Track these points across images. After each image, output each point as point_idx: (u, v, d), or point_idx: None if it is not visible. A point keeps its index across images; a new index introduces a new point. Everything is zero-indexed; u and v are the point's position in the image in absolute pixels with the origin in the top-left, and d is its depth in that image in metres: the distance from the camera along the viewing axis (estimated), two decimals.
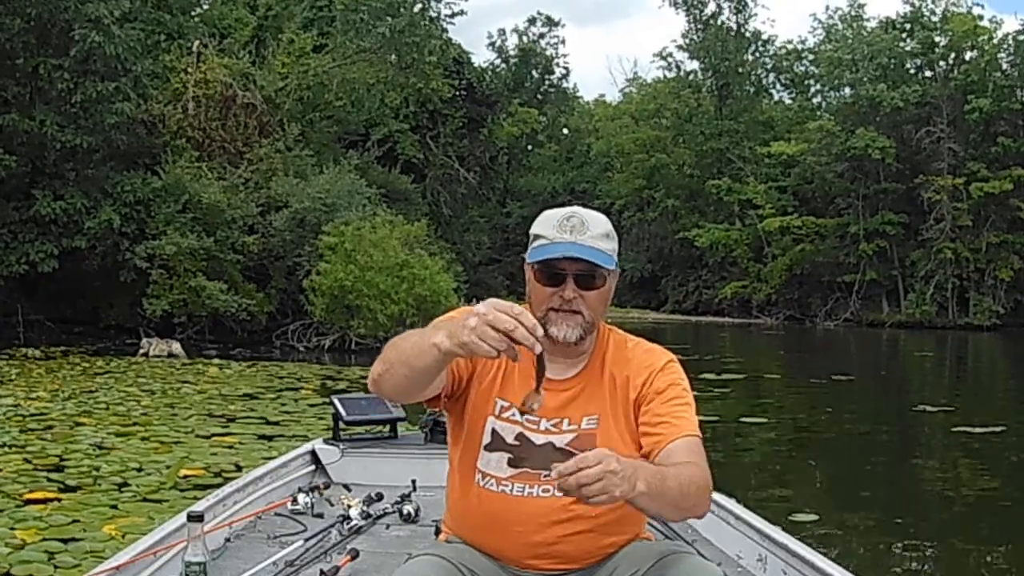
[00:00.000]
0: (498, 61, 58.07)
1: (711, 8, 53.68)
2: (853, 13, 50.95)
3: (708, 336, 36.08)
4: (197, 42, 23.68)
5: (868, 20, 50.04)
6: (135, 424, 9.87)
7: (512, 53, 59.02)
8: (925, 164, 43.24)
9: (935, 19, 45.75)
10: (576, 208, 2.35)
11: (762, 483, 9.16)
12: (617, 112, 62.73)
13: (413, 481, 4.25)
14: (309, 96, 25.55)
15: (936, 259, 42.58)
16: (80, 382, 13.38)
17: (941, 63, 45.33)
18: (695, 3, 53.69)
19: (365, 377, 2.48)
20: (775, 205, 47.75)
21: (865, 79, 44.98)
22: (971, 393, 19.35)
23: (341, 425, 4.77)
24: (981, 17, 44.91)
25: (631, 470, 1.96)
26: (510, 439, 2.32)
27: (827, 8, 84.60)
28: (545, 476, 2.27)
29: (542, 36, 59.35)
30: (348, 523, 3.77)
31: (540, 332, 1.95)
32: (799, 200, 48.12)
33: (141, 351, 18.11)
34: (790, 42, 55.66)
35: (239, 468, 7.52)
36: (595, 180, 59.67)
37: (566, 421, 2.32)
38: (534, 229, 2.34)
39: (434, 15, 31.04)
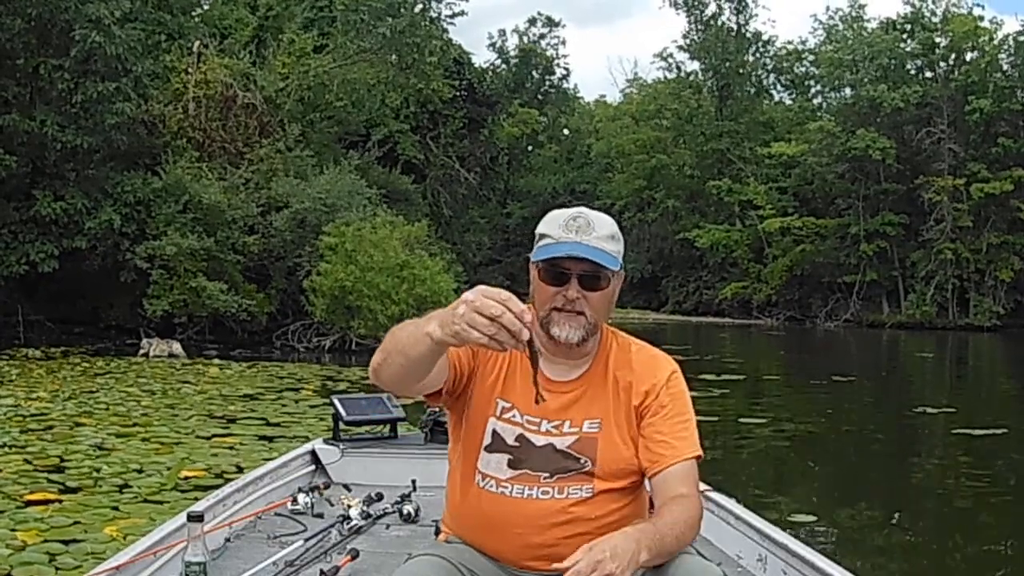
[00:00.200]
0: (498, 62, 58.13)
1: (712, 9, 53.79)
2: (854, 14, 51.01)
3: (708, 337, 36.08)
4: (198, 42, 23.69)
5: (869, 21, 50.14)
6: (135, 425, 9.87)
7: (512, 54, 59.06)
8: (925, 165, 43.25)
9: (936, 20, 45.78)
10: (583, 209, 2.35)
11: (762, 483, 9.16)
12: (617, 113, 62.76)
13: (413, 481, 4.25)
14: (310, 96, 25.55)
15: (936, 260, 42.59)
16: (80, 382, 13.38)
17: (942, 64, 45.34)
18: (696, 4, 53.73)
19: (365, 378, 2.49)
20: (775, 206, 47.78)
21: (866, 80, 44.99)
22: (972, 394, 19.34)
23: (341, 425, 4.77)
24: (982, 18, 44.97)
25: (632, 551, 2.02)
26: (511, 440, 2.32)
27: (827, 9, 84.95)
28: (545, 478, 2.28)
29: (542, 37, 59.43)
30: (348, 523, 3.77)
31: (528, 318, 1.94)
32: (799, 201, 48.15)
33: (141, 351, 18.12)
34: (791, 43, 55.78)
35: (240, 469, 7.50)
36: (595, 181, 59.68)
37: (567, 423, 2.32)
38: (540, 228, 2.34)
39: (434, 16, 31.14)
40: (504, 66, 58.00)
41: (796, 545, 3.27)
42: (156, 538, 3.16)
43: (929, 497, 9.12)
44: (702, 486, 2.47)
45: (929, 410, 14.49)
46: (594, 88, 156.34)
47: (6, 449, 8.24)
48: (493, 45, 59.67)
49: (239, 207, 20.91)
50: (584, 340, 2.31)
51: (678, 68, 56.58)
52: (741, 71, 53.54)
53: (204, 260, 19.74)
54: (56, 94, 19.54)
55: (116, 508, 6.36)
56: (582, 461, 2.30)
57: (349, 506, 3.88)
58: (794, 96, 55.79)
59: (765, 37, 55.00)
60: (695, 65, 55.54)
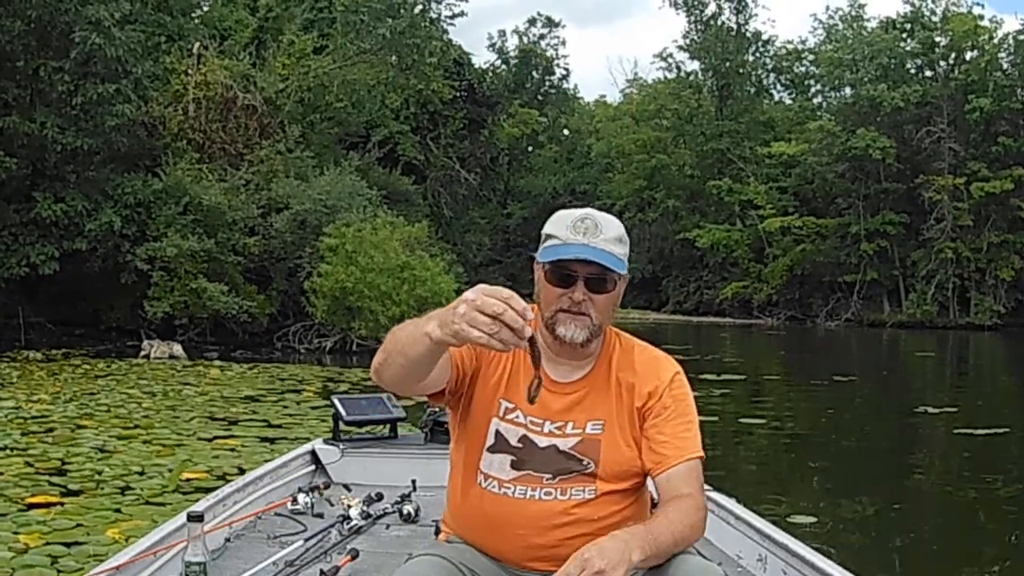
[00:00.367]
0: (498, 62, 58.13)
1: (711, 8, 53.82)
2: (853, 13, 51.03)
3: (709, 336, 36.07)
4: (197, 44, 23.69)
5: (868, 20, 50.17)
6: (137, 427, 9.86)
7: (512, 54, 59.07)
8: (926, 164, 43.26)
9: (935, 19, 45.78)
10: (590, 210, 2.34)
11: (762, 483, 9.16)
12: (617, 113, 62.76)
13: (413, 481, 4.26)
14: (310, 98, 25.56)
15: (937, 259, 42.60)
16: (81, 384, 13.37)
17: (941, 63, 45.35)
18: (695, 4, 53.75)
19: (367, 379, 2.50)
20: (776, 205, 47.79)
21: (865, 79, 45.01)
22: (973, 394, 19.31)
23: (341, 425, 4.78)
24: (981, 17, 45.00)
25: (621, 551, 2.02)
26: (513, 441, 2.32)
27: (827, 8, 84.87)
28: (547, 479, 2.28)
29: (542, 37, 59.44)
30: (348, 523, 3.78)
31: (530, 315, 1.93)
32: (800, 200, 48.16)
33: (142, 353, 18.12)
34: (790, 42, 55.83)
35: (241, 471, 7.48)
36: (596, 181, 59.69)
37: (571, 424, 2.32)
38: (547, 229, 2.33)
39: (434, 16, 31.15)
40: (504, 66, 58.01)
41: (796, 545, 3.27)
42: (156, 538, 3.17)
43: (930, 497, 9.11)
44: None
45: (930, 410, 14.47)
46: (594, 88, 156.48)
47: (7, 452, 8.23)
48: (493, 46, 59.74)
49: (239, 208, 20.92)
50: (588, 341, 2.30)
51: (678, 68, 56.69)
52: (741, 71, 53.56)
53: (205, 262, 19.74)
54: (56, 96, 19.55)
55: (118, 510, 6.36)
56: (585, 462, 2.30)
57: (349, 506, 3.89)
58: (794, 96, 55.81)
59: (765, 37, 55.12)
60: (695, 65, 55.65)
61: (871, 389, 19.33)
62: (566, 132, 64.54)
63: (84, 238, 19.31)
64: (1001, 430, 12.33)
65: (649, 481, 2.37)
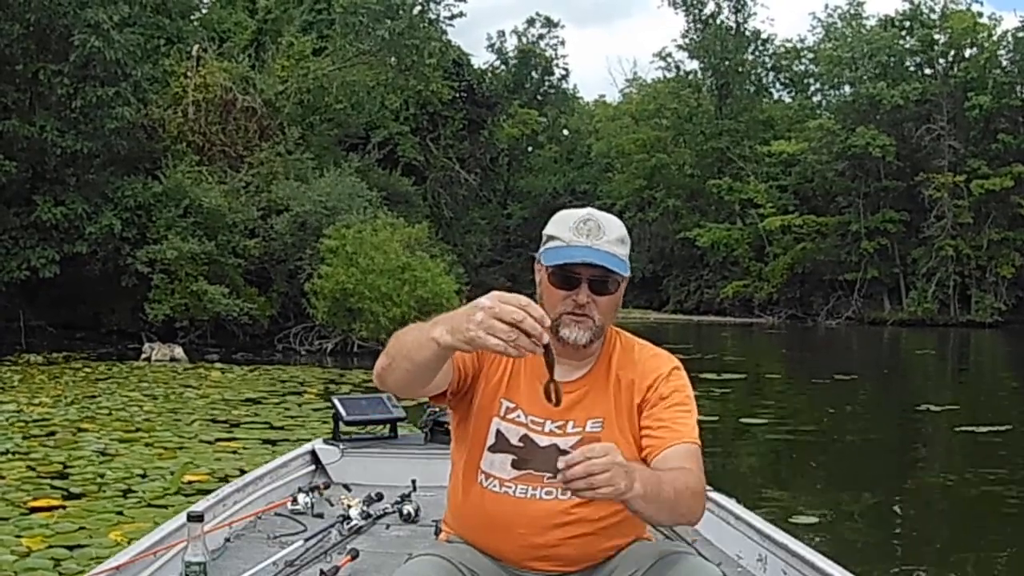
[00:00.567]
0: (498, 63, 58.08)
1: (710, 7, 53.77)
2: (852, 11, 51.00)
3: (710, 336, 36.07)
4: (196, 46, 23.68)
5: (867, 18, 50.11)
6: (138, 430, 9.86)
7: (511, 54, 59.03)
8: (926, 162, 43.25)
9: (934, 16, 45.78)
10: (592, 210, 2.33)
11: (763, 483, 9.16)
12: (617, 112, 62.73)
13: (413, 481, 4.26)
14: (309, 99, 25.56)
15: (937, 256, 42.60)
16: (82, 387, 13.36)
17: (941, 60, 45.36)
18: (694, 3, 53.72)
19: (368, 380, 2.49)
20: (776, 204, 47.79)
21: (865, 77, 45.00)
22: (975, 391, 19.32)
23: (341, 425, 4.78)
24: (980, 14, 45.06)
25: (625, 464, 1.97)
26: (514, 440, 2.32)
27: (826, 6, 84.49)
28: (549, 478, 2.27)
29: (541, 37, 59.40)
30: (348, 523, 3.78)
31: (548, 322, 1.93)
32: (800, 199, 48.15)
33: (143, 356, 18.12)
34: (789, 41, 55.85)
35: (243, 473, 7.51)
36: (596, 181, 59.66)
37: (571, 423, 2.32)
38: (548, 229, 2.33)
39: (433, 17, 31.09)
40: (503, 67, 57.98)
41: (796, 545, 3.27)
42: (156, 538, 3.17)
43: (933, 496, 9.09)
44: None
45: (932, 408, 14.47)
46: (594, 88, 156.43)
47: (9, 456, 8.23)
48: (492, 46, 59.69)
49: (239, 211, 20.92)
50: (591, 342, 2.31)
51: (677, 67, 56.65)
52: (740, 70, 53.54)
53: (205, 264, 19.74)
54: (55, 99, 19.55)
55: (120, 513, 6.37)
56: None
57: (349, 506, 3.89)
58: (793, 94, 55.80)
59: (764, 35, 55.08)
60: (694, 64, 55.62)
61: (872, 387, 19.33)
62: (566, 132, 64.51)
63: (84, 241, 19.31)
64: (1003, 428, 12.32)
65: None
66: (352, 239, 19.82)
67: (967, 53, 44.85)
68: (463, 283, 22.54)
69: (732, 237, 49.36)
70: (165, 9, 24.40)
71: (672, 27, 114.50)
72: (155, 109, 22.11)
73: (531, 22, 59.87)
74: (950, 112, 43.08)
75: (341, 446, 4.69)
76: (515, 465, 2.30)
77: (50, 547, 5.53)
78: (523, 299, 1.93)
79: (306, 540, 3.57)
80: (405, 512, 4.00)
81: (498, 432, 2.33)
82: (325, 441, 4.79)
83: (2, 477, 7.35)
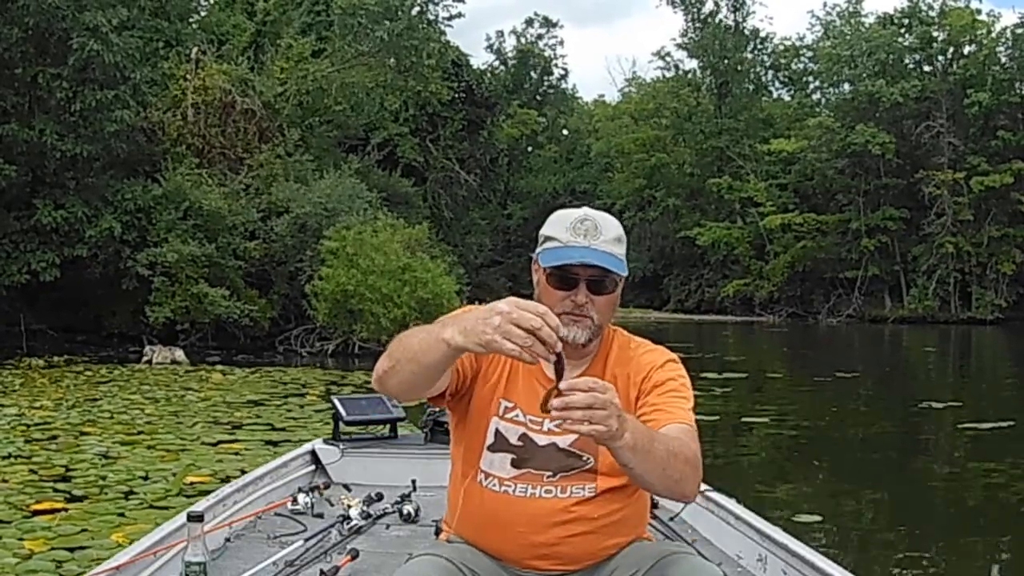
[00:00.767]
0: (497, 63, 58.17)
1: (709, 6, 53.83)
2: (851, 9, 51.05)
3: (711, 335, 36.07)
4: (195, 49, 23.68)
5: (866, 16, 50.20)
6: (140, 432, 9.86)
7: (510, 55, 59.09)
8: (925, 159, 43.27)
9: (933, 14, 45.81)
10: (588, 210, 2.33)
11: (765, 483, 9.14)
12: (617, 112, 62.74)
13: (413, 481, 4.26)
14: (308, 101, 25.54)
15: (938, 254, 42.61)
16: (84, 391, 13.36)
17: (940, 58, 45.38)
18: (693, 2, 53.75)
19: (369, 381, 2.48)
20: (776, 202, 47.80)
21: (864, 75, 45.02)
22: (977, 388, 19.32)
23: (341, 425, 4.78)
24: (979, 11, 45.14)
25: (625, 416, 1.96)
26: (513, 440, 2.32)
27: (825, 5, 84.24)
28: (548, 477, 2.29)
29: (540, 37, 59.49)
30: (348, 523, 3.79)
31: (563, 331, 1.96)
32: (800, 197, 48.17)
33: (144, 359, 18.12)
34: (788, 39, 55.88)
35: (244, 474, 7.52)
36: (595, 180, 59.69)
37: None
38: (545, 230, 2.33)
39: (432, 18, 31.10)
40: (502, 67, 58.04)
41: (796, 545, 3.28)
42: (156, 538, 3.18)
43: (936, 494, 9.09)
44: (702, 486, 2.46)
45: (934, 405, 14.46)
46: (593, 88, 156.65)
47: (11, 459, 8.24)
48: (491, 46, 59.78)
49: (240, 213, 20.91)
50: (590, 341, 2.31)
51: (676, 67, 56.71)
52: (739, 68, 53.56)
53: (205, 266, 19.73)
54: (55, 103, 19.54)
55: (122, 515, 6.37)
56: (584, 458, 2.30)
57: (349, 506, 3.90)
58: (793, 92, 55.81)
59: (763, 34, 55.16)
60: (693, 63, 55.68)
61: (874, 385, 19.33)
62: (565, 132, 64.54)
63: (85, 244, 19.31)
64: (1005, 424, 12.33)
65: None
66: (352, 240, 19.82)
67: (966, 50, 44.88)
68: (463, 284, 22.56)
69: (732, 236, 49.36)
70: (164, 12, 24.39)
71: (671, 26, 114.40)
72: (154, 112, 22.10)
73: (530, 22, 60.06)
74: (949, 109, 43.08)
75: (341, 446, 4.69)
76: (515, 464, 2.31)
77: (52, 549, 5.53)
78: (541, 307, 1.94)
79: (306, 540, 3.58)
80: (405, 512, 4.00)
81: (497, 432, 2.33)
82: (325, 441, 4.79)
83: (5, 480, 7.35)
